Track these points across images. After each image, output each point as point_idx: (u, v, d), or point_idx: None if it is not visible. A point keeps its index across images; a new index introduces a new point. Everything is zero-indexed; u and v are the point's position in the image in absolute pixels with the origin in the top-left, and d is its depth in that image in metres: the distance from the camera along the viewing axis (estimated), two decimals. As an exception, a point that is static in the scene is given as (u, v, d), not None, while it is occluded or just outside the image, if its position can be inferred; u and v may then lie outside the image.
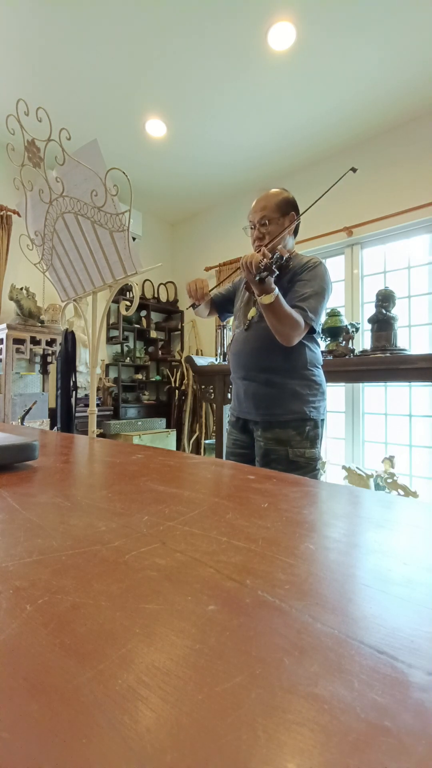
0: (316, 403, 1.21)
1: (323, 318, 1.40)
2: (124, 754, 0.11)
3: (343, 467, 2.60)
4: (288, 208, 1.23)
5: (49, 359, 3.22)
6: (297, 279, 1.18)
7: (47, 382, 3.23)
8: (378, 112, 2.81)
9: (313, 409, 1.19)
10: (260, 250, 1.07)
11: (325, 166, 3.34)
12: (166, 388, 4.36)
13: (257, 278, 0.98)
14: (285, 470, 1.13)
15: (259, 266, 0.96)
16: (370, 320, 2.14)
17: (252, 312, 1.25)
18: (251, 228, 1.27)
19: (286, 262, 1.11)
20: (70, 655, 0.16)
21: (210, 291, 1.31)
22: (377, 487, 2.45)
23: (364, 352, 2.09)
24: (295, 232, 1.29)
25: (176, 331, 4.54)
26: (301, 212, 1.25)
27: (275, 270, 0.98)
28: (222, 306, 1.45)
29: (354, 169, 1.20)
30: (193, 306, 1.33)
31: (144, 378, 4.16)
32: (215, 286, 1.45)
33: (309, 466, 1.18)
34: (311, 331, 1.17)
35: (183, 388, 4.13)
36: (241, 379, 1.26)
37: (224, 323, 2.68)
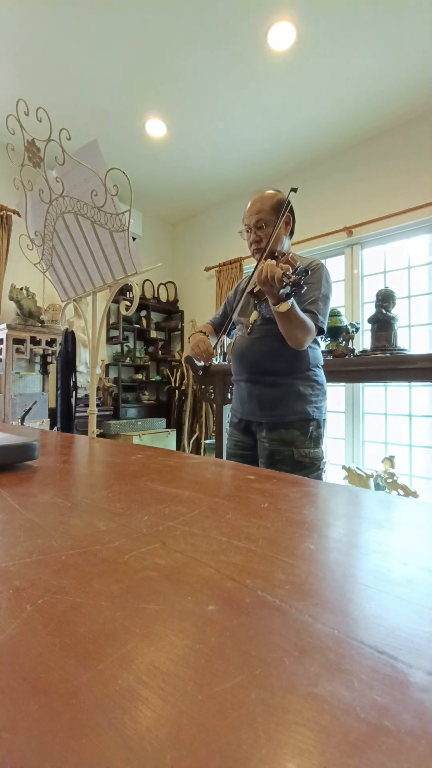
0: (318, 403, 1.21)
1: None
2: (124, 754, 0.11)
3: (343, 467, 2.60)
4: (283, 210, 1.22)
5: (49, 359, 3.22)
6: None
7: (47, 382, 3.23)
8: (378, 112, 2.81)
9: (315, 409, 1.20)
10: (277, 264, 1.01)
11: (325, 166, 3.34)
12: (166, 388, 4.36)
13: (282, 292, 0.95)
14: (290, 471, 1.12)
15: (282, 280, 0.93)
16: (370, 320, 2.14)
17: (254, 315, 1.25)
18: (247, 231, 1.26)
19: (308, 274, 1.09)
20: (70, 655, 0.16)
21: (213, 347, 1.26)
22: (377, 487, 2.45)
23: (364, 352, 2.09)
24: (291, 233, 1.29)
25: (176, 331, 4.54)
26: (281, 219, 1.21)
27: (303, 285, 0.94)
28: (228, 329, 1.44)
29: (294, 189, 1.15)
30: (207, 368, 1.28)
31: (144, 378, 4.16)
32: (212, 318, 1.45)
33: (313, 466, 1.18)
34: (319, 332, 1.17)
35: (183, 388, 4.13)
36: (244, 382, 1.26)
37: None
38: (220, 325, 1.42)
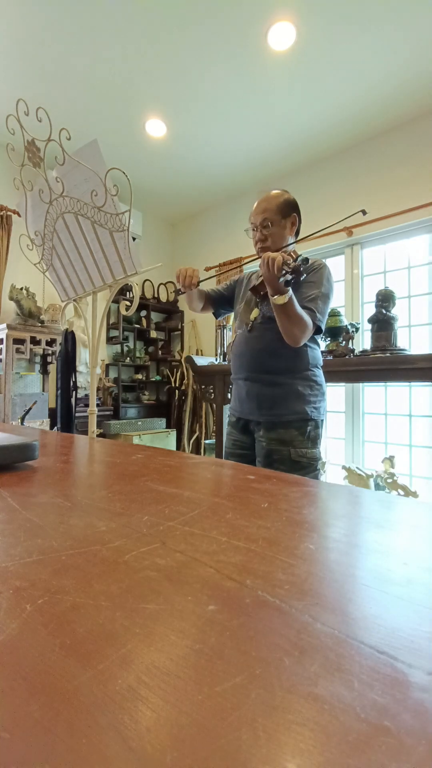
0: (317, 404, 1.21)
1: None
2: (124, 754, 0.11)
3: (343, 467, 2.60)
4: (289, 210, 1.23)
5: (49, 359, 3.22)
6: (303, 280, 1.18)
7: (47, 382, 3.23)
8: (378, 112, 2.81)
9: (314, 410, 1.20)
10: (281, 253, 1.05)
11: (325, 166, 3.34)
12: (166, 388, 4.36)
13: (281, 279, 0.97)
14: (287, 470, 1.13)
15: (282, 268, 0.95)
16: (370, 320, 2.14)
17: (255, 313, 1.25)
18: (253, 230, 1.27)
19: (309, 266, 1.11)
20: (70, 655, 0.16)
21: (199, 282, 1.27)
22: (377, 487, 2.45)
23: (364, 352, 2.09)
24: (297, 234, 1.29)
25: (176, 331, 4.54)
26: (302, 236, 1.24)
27: (303, 272, 0.97)
28: (218, 302, 1.44)
29: (364, 212, 1.18)
30: (179, 292, 1.28)
31: (144, 378, 4.16)
32: (211, 287, 1.44)
33: (311, 467, 1.18)
34: (317, 331, 1.17)
35: (183, 388, 4.13)
36: (243, 380, 1.26)
37: (224, 323, 2.68)
38: (218, 296, 1.42)
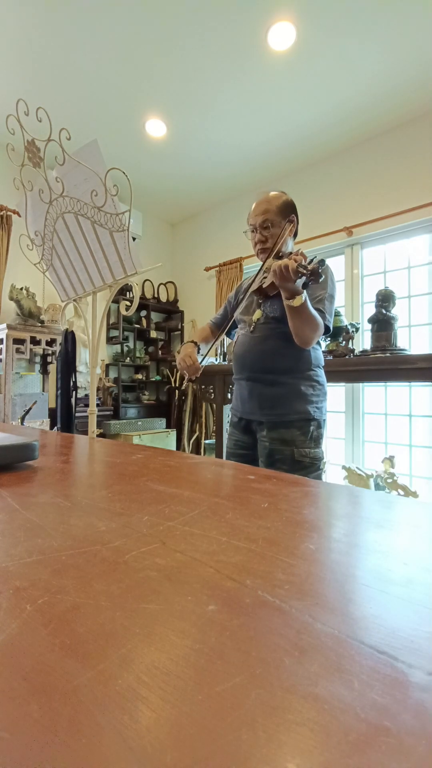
0: (319, 404, 1.21)
1: None
2: (124, 754, 0.11)
3: (343, 467, 2.60)
4: (289, 211, 1.23)
5: (49, 359, 3.22)
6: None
7: (47, 382, 3.23)
8: (378, 112, 2.81)
9: (316, 409, 1.20)
10: (290, 257, 1.04)
11: (325, 166, 3.34)
12: (166, 388, 4.36)
13: (300, 284, 0.97)
14: (290, 470, 1.13)
15: (298, 271, 0.95)
16: (370, 320, 2.14)
17: (257, 314, 1.25)
18: (252, 231, 1.27)
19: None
20: (70, 655, 0.16)
21: (201, 362, 1.29)
22: (377, 487, 2.45)
23: (364, 352, 2.09)
24: (295, 235, 1.30)
25: (176, 331, 4.54)
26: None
27: (321, 274, 0.97)
28: (230, 328, 1.45)
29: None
30: (190, 380, 1.32)
31: (144, 378, 4.16)
32: (213, 318, 1.46)
33: (313, 466, 1.18)
34: (325, 331, 1.17)
35: (183, 388, 4.13)
36: (245, 380, 1.26)
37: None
38: (221, 325, 1.43)
